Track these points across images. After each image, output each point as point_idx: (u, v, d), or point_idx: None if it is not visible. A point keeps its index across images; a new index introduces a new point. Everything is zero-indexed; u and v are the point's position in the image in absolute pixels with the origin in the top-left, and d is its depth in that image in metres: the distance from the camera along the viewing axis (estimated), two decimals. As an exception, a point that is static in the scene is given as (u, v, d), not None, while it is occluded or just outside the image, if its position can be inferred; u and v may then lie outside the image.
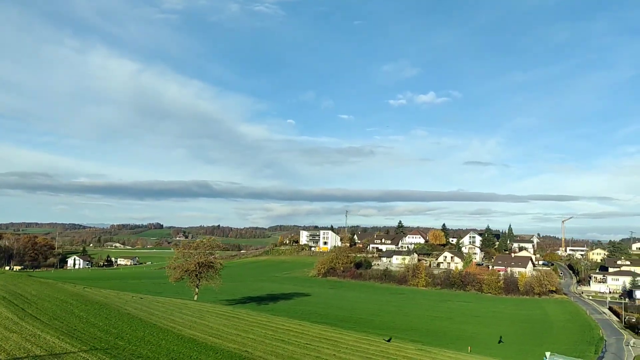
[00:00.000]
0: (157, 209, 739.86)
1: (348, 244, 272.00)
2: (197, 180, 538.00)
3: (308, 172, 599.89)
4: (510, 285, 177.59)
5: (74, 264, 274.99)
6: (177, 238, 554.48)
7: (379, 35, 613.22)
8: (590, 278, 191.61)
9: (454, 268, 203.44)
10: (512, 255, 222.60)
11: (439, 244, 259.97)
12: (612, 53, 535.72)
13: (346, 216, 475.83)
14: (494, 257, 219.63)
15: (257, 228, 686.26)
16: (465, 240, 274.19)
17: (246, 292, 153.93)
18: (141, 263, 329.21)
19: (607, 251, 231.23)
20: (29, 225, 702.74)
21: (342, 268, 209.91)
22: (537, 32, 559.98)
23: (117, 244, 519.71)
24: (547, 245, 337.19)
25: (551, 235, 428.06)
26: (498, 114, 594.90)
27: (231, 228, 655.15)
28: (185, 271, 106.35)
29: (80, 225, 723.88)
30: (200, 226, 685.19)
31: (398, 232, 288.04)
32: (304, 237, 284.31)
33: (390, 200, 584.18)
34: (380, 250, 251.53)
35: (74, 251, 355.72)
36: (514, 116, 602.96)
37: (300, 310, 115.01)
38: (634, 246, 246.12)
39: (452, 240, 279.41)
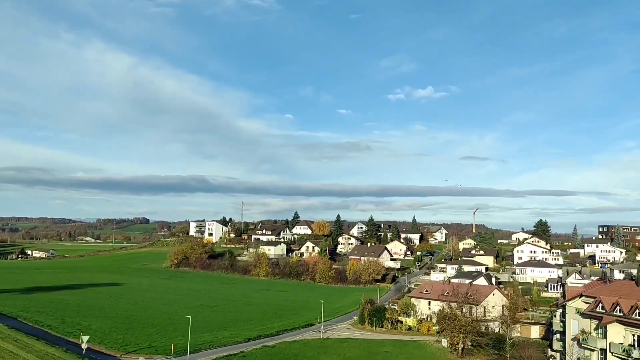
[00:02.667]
0: (155, 203, 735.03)
1: (233, 235, 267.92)
2: (195, 175, 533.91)
3: (306, 167, 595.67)
4: (341, 275, 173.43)
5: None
6: (161, 233, 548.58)
7: (377, 29, 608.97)
8: (435, 267, 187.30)
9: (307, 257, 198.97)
10: (369, 245, 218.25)
11: (323, 235, 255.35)
12: (611, 48, 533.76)
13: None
14: (353, 247, 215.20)
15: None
16: (354, 230, 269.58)
17: (42, 283, 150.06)
18: (57, 256, 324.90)
19: (475, 241, 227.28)
20: (18, 219, 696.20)
21: (194, 258, 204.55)
22: (536, 26, 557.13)
23: (88, 238, 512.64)
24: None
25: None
26: (496, 109, 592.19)
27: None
28: None
29: (70, 220, 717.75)
30: (186, 220, 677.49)
31: (292, 223, 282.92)
32: (192, 229, 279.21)
33: (388, 195, 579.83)
34: (261, 240, 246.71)
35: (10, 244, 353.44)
36: (512, 111, 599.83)
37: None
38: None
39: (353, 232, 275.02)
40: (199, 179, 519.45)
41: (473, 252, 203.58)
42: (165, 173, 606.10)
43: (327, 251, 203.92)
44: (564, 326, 69.96)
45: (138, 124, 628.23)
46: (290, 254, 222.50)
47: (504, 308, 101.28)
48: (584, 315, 64.09)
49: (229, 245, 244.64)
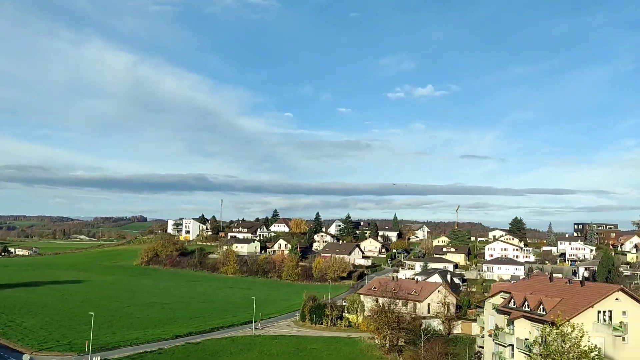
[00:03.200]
0: (155, 202, 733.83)
1: (210, 233, 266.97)
2: (194, 174, 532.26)
3: (306, 165, 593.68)
4: (308, 272, 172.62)
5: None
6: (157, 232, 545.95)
7: (377, 28, 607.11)
8: (404, 265, 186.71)
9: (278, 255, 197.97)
10: (341, 243, 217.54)
11: (300, 232, 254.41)
12: (611, 46, 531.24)
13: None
14: (325, 245, 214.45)
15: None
16: (332, 228, 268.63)
17: (1, 280, 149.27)
18: (41, 254, 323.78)
19: (450, 239, 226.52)
20: (17, 218, 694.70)
21: (164, 256, 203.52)
22: (536, 25, 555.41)
23: (83, 237, 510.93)
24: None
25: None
26: (496, 108, 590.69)
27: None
28: None
29: (68, 218, 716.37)
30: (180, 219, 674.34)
31: (272, 220, 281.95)
32: (170, 226, 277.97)
33: (388, 193, 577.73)
34: (237, 238, 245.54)
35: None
36: (512, 110, 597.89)
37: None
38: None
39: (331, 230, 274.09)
40: (199, 177, 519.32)
41: (445, 249, 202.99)
42: (165, 171, 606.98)
43: (298, 249, 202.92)
44: (485, 322, 69.26)
45: (138, 123, 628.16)
46: (264, 251, 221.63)
47: (450, 305, 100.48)
48: (498, 311, 63.35)
49: (204, 243, 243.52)
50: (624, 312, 52.55)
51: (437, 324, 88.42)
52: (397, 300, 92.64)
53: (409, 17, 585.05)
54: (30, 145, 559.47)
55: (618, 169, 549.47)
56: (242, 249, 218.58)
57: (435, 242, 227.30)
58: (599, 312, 52.45)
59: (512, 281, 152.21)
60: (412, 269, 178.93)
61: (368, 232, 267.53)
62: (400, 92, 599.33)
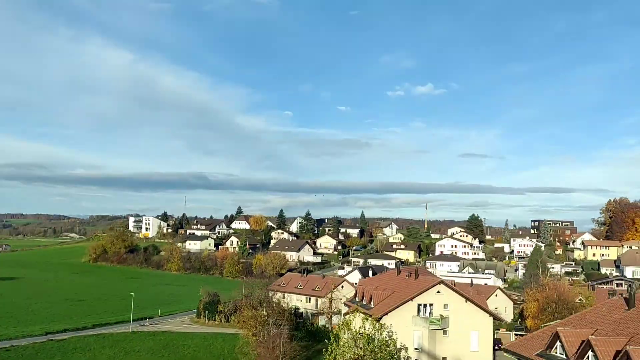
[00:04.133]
0: (155, 200, 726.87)
1: (170, 230, 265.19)
2: (194, 172, 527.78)
3: (306, 164, 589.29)
4: (249, 269, 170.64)
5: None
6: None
7: (376, 25, 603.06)
8: (350, 262, 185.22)
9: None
10: (297, 239, 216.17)
11: (260, 229, 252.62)
12: (611, 44, 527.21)
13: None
14: (275, 242, 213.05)
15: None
16: (293, 226, 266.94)
17: None
18: (14, 251, 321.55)
19: (404, 235, 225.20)
20: (14, 216, 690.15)
21: (112, 253, 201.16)
22: (536, 22, 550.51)
23: (73, 235, 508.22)
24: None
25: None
26: (496, 106, 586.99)
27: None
28: None
29: (65, 216, 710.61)
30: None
31: (235, 217, 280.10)
32: (131, 223, 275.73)
33: (388, 192, 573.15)
34: (195, 235, 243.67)
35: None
36: (511, 108, 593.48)
37: None
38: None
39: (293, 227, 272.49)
40: (199, 175, 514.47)
41: (394, 246, 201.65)
42: (165, 170, 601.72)
43: (248, 246, 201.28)
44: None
45: (137, 121, 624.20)
46: (217, 248, 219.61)
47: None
48: (346, 304, 61.60)
49: (162, 240, 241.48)
50: (445, 306, 50.71)
51: (324, 320, 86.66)
52: (291, 295, 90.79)
53: (408, 14, 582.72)
54: (29, 144, 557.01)
55: (618, 167, 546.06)
56: (194, 246, 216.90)
57: (391, 239, 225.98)
58: (419, 305, 50.57)
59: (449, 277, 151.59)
60: (356, 265, 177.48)
61: (331, 229, 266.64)
62: (400, 90, 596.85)
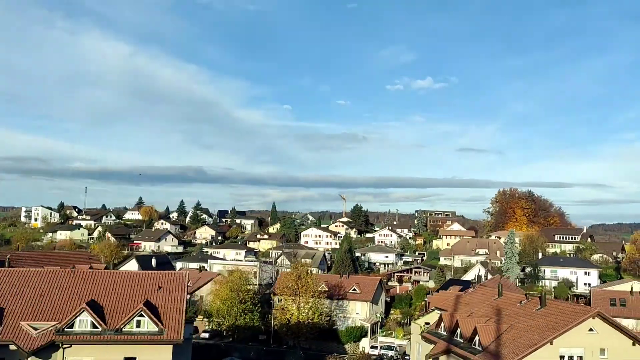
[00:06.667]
0: (154, 195, 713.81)
1: (61, 221, 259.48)
2: (192, 166, 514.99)
3: (304, 158, 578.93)
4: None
5: None
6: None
7: (375, 19, 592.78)
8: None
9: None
10: (167, 229, 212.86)
11: (148, 219, 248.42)
12: (611, 38, 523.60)
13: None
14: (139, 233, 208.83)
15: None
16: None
17: None
18: None
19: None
20: (5, 209, 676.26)
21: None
22: (536, 16, 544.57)
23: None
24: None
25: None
26: (495, 100, 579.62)
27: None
28: None
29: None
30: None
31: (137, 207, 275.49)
32: (23, 214, 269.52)
33: (386, 186, 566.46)
34: (80, 225, 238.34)
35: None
36: (511, 102, 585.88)
37: None
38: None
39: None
40: (197, 169, 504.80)
41: (258, 236, 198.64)
42: (163, 163, 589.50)
43: (109, 235, 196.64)
44: None
45: (136, 114, 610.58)
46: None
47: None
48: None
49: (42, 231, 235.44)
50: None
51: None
52: None
53: (407, 7, 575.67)
54: (28, 136, 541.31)
55: (617, 162, 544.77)
56: (62, 236, 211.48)
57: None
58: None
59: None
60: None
61: (229, 221, 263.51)
62: (399, 84, 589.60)
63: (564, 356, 35.78)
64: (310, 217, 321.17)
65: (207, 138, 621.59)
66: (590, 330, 36.02)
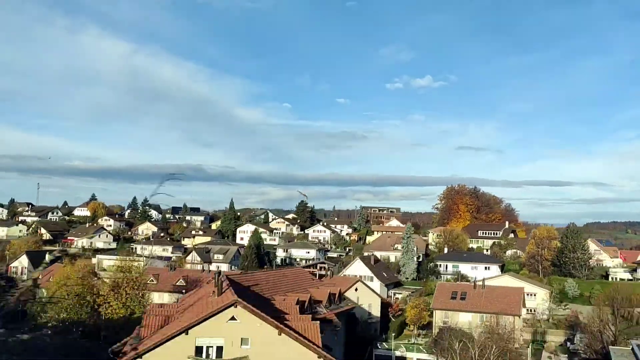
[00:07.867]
0: (149, 192, 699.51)
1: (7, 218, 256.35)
2: (192, 164, 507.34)
3: (304, 156, 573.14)
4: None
5: None
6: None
7: (375, 17, 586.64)
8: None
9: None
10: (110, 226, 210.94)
11: (92, 216, 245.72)
12: (611, 37, 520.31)
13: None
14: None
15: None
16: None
17: None
18: None
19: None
20: None
21: None
22: (535, 14, 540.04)
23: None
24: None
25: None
26: (495, 99, 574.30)
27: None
28: None
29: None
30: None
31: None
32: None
33: (385, 185, 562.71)
34: (25, 222, 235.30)
35: None
36: (510, 101, 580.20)
37: None
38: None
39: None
40: (196, 168, 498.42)
41: (193, 232, 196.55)
42: (162, 162, 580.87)
43: (40, 231, 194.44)
44: None
45: (135, 112, 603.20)
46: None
47: None
48: None
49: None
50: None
51: None
52: None
53: (407, 5, 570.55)
54: (27, 135, 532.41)
55: (617, 160, 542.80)
56: (1, 232, 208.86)
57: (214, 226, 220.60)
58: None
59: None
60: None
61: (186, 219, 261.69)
62: (399, 82, 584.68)
63: (202, 347, 33.60)
64: (272, 215, 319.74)
65: (206, 136, 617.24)
66: (232, 319, 33.84)
